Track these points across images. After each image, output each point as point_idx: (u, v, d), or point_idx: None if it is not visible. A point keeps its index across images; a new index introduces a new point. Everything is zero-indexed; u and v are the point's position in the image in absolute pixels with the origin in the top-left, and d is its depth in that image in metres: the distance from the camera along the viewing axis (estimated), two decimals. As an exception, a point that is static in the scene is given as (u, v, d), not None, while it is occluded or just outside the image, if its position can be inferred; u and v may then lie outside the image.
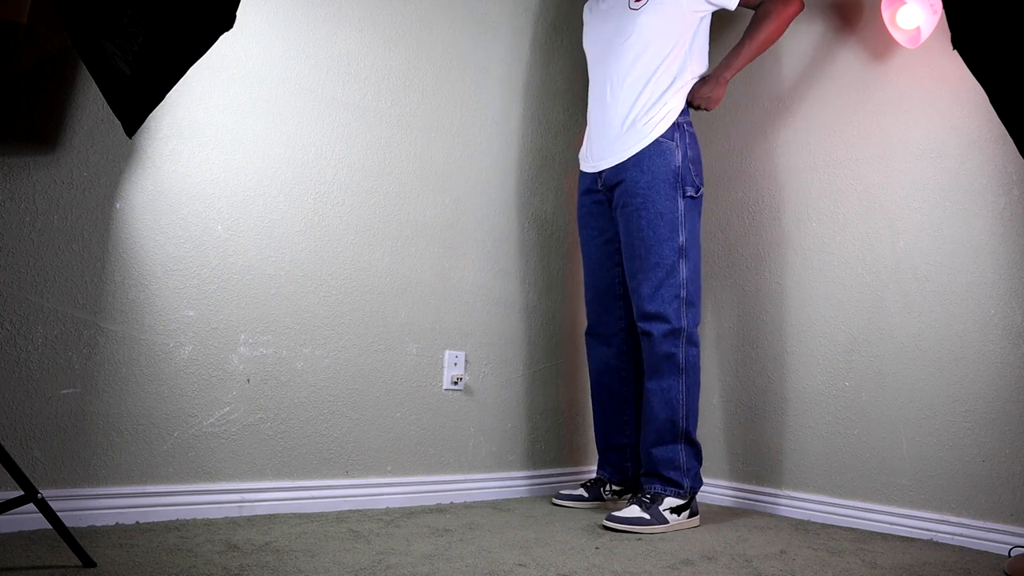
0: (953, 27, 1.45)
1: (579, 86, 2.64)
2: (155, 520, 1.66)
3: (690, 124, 2.12)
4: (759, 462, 2.36)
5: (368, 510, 1.96)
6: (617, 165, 2.12)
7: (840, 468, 2.16)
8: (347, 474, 1.99)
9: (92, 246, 1.64)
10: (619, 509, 1.93)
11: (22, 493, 1.21)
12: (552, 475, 2.47)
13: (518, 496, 2.35)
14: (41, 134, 1.60)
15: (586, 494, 2.22)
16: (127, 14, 1.32)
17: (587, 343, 2.33)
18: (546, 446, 2.47)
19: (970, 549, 1.85)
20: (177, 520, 1.68)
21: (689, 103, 2.12)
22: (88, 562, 1.26)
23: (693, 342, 2.05)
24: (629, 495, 2.23)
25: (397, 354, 2.12)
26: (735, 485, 2.41)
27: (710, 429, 2.48)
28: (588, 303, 2.31)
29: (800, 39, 2.43)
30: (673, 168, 2.05)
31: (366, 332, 2.06)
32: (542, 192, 2.55)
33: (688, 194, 2.06)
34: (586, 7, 2.39)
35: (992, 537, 1.84)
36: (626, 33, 2.15)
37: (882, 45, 2.23)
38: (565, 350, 2.56)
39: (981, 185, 1.99)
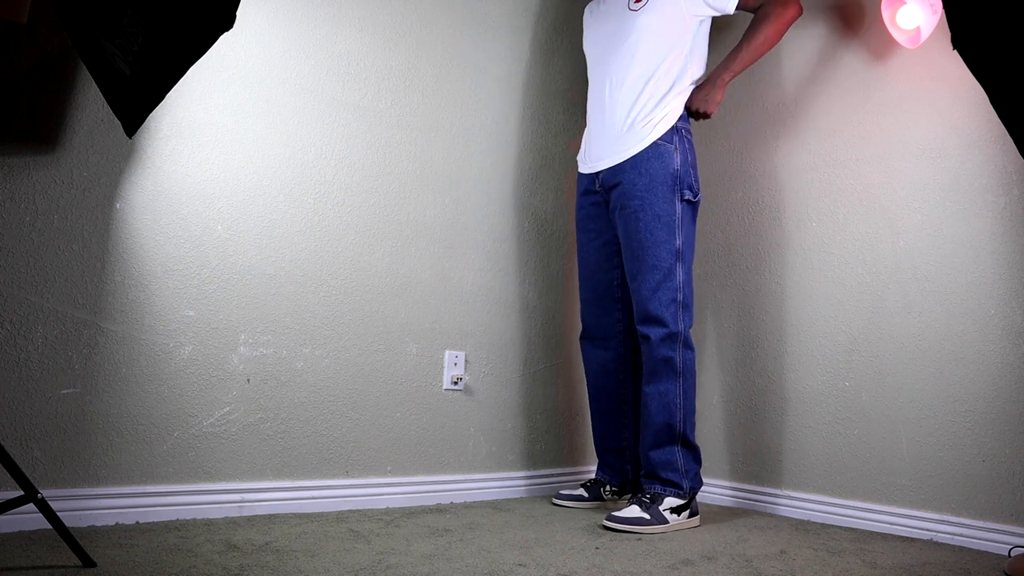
0: (953, 27, 1.45)
1: (579, 86, 2.64)
2: (155, 520, 1.66)
3: (689, 130, 2.12)
4: (759, 462, 2.36)
5: (368, 510, 1.96)
6: (615, 166, 2.12)
7: (840, 468, 2.16)
8: (347, 474, 1.99)
9: (92, 246, 1.64)
10: (619, 509, 1.93)
11: (22, 493, 1.21)
12: (552, 475, 2.47)
13: (518, 496, 2.35)
14: (41, 134, 1.60)
15: (586, 494, 2.22)
16: (127, 14, 1.32)
17: (583, 347, 2.32)
18: (546, 446, 2.47)
19: (970, 549, 1.85)
20: (177, 520, 1.68)
21: (688, 109, 2.12)
22: (88, 562, 1.26)
23: (689, 346, 2.05)
24: (629, 495, 2.23)
25: (397, 354, 2.12)
26: (735, 485, 2.41)
27: (710, 429, 2.48)
28: (584, 306, 2.30)
29: (800, 39, 2.43)
30: (671, 171, 2.05)
31: (366, 332, 2.06)
32: (542, 192, 2.55)
33: (686, 198, 2.06)
34: (587, 10, 2.40)
35: (992, 537, 1.85)
36: (625, 34, 2.15)
37: (882, 45, 2.23)
38: (565, 350, 2.56)
39: (981, 185, 1.99)
